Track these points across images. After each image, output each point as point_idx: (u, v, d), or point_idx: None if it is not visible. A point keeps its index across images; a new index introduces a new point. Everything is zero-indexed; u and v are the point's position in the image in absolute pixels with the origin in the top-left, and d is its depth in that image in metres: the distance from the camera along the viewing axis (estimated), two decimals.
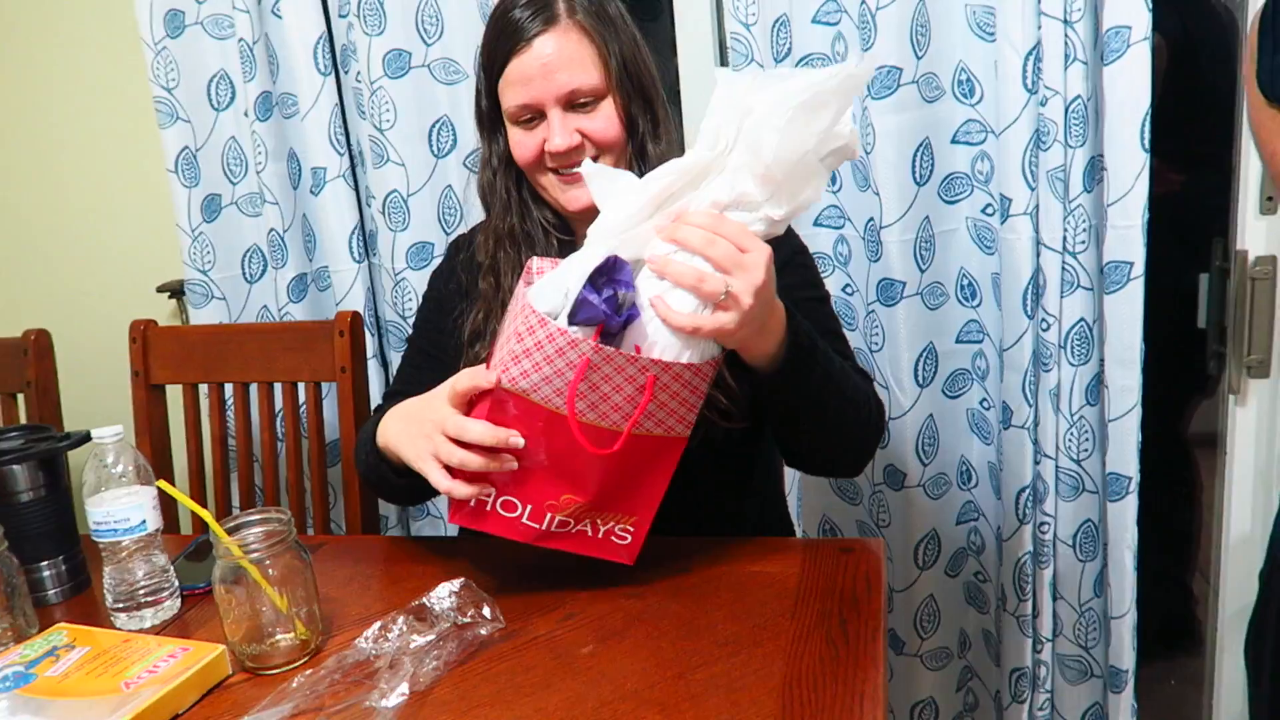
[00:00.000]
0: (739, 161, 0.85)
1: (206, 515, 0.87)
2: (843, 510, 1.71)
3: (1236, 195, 1.48)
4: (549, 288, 0.89)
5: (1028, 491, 1.50)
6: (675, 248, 0.86)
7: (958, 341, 1.58)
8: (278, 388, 1.48)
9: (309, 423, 1.47)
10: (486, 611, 0.92)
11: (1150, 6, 1.29)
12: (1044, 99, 1.35)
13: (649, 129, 1.10)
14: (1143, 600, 1.54)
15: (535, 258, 0.99)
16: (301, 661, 0.90)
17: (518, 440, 0.88)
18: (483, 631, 0.91)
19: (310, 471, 1.48)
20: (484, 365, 0.93)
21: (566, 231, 1.17)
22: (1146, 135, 1.34)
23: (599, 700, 0.80)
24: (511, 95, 1.07)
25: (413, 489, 1.03)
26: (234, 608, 0.89)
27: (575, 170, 1.07)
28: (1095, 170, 1.38)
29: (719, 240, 0.84)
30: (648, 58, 1.12)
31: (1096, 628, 1.56)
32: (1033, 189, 1.39)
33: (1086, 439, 1.47)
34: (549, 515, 0.95)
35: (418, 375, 1.21)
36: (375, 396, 1.56)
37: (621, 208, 0.88)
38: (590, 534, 0.98)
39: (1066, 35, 1.32)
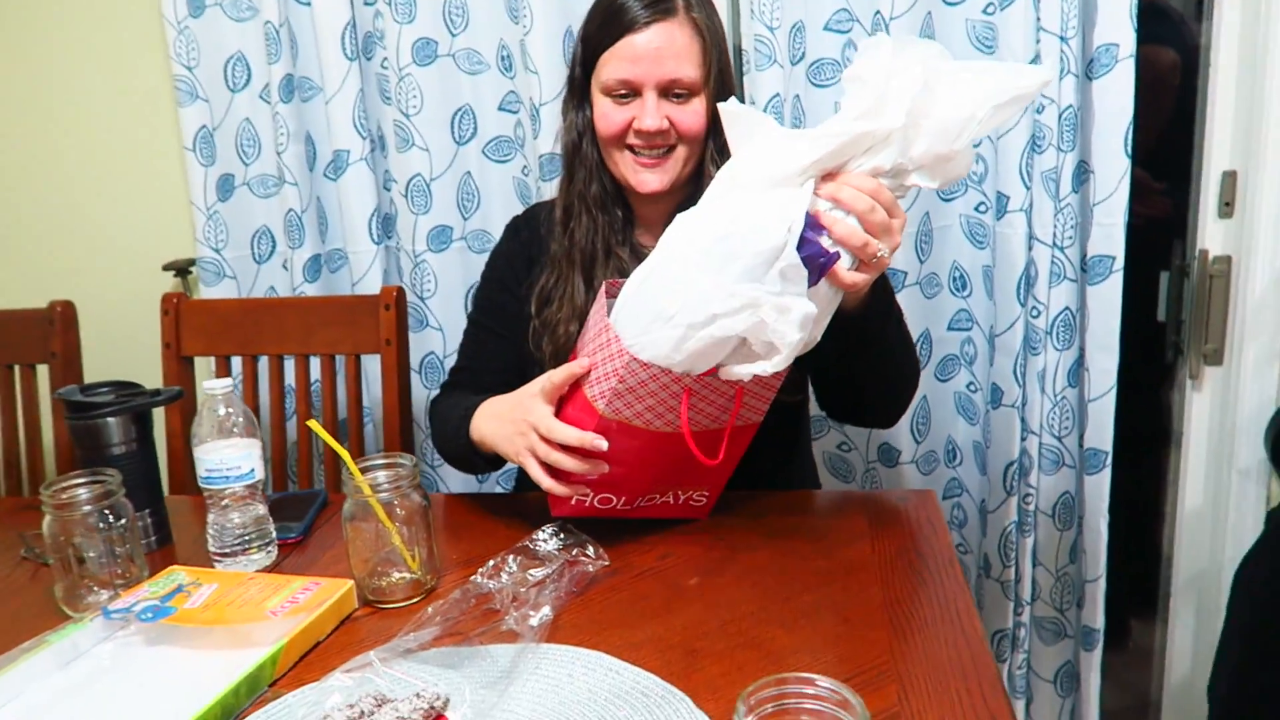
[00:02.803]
0: (913, 137, 0.88)
1: (345, 454, 0.92)
2: (837, 486, 1.82)
3: (1196, 200, 1.66)
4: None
5: (1015, 466, 1.64)
6: (831, 204, 0.89)
7: (949, 329, 1.71)
8: (314, 360, 1.51)
9: (348, 393, 1.50)
10: (590, 550, 1.00)
11: (1135, 28, 1.45)
12: (1040, 107, 1.49)
13: (718, 129, 1.19)
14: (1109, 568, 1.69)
15: (608, 281, 1.04)
16: (419, 598, 0.95)
17: (600, 443, 0.95)
18: (590, 568, 0.97)
19: (349, 441, 1.52)
20: (572, 356, 1.03)
21: (624, 206, 1.25)
22: (1129, 143, 1.49)
23: (720, 620, 0.88)
24: (615, 69, 1.14)
25: (500, 464, 1.15)
26: (360, 544, 0.94)
27: (652, 154, 1.16)
28: (1082, 173, 1.53)
29: (879, 208, 0.88)
30: (731, 64, 1.21)
31: (1071, 591, 1.71)
32: (1028, 188, 1.53)
33: (1067, 417, 1.61)
34: (640, 499, 1.07)
35: (482, 351, 1.29)
36: None
37: (781, 165, 0.89)
38: (672, 502, 1.09)
39: (1062, 50, 1.46)
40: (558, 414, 1.00)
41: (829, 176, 0.90)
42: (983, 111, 0.86)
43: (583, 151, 1.21)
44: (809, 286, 0.88)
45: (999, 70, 0.89)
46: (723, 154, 1.20)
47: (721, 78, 1.17)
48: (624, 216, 1.25)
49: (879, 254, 0.90)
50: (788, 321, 0.86)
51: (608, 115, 1.16)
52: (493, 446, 1.08)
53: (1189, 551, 1.80)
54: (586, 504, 1.04)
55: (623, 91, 1.14)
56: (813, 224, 0.88)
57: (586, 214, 1.21)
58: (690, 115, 1.15)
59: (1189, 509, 1.78)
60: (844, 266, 0.90)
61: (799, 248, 0.86)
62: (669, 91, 1.13)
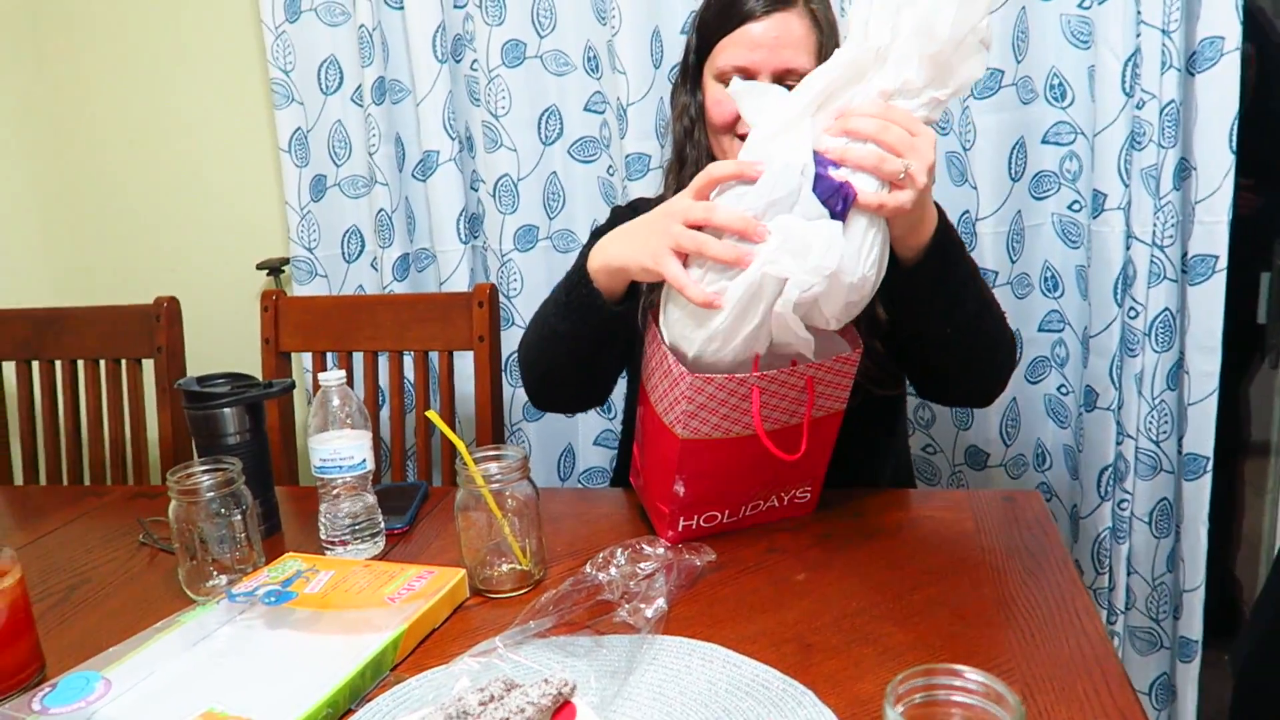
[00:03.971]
0: (904, 48, 0.86)
1: (460, 444, 0.93)
2: (923, 489, 1.80)
3: None
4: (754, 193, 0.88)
5: (1110, 470, 1.60)
6: (846, 140, 0.87)
7: (1039, 330, 1.68)
8: (408, 357, 1.54)
9: (441, 388, 1.52)
10: (698, 547, 1.00)
11: (1242, 19, 1.41)
12: (1140, 102, 1.46)
13: None
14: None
15: (650, 309, 1.04)
16: (527, 589, 0.96)
17: (763, 230, 0.86)
18: (697, 562, 0.98)
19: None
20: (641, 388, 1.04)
21: None
22: (1234, 139, 1.45)
23: (833, 615, 0.87)
24: (732, 55, 1.14)
25: (594, 359, 1.11)
26: (472, 533, 0.95)
27: None
28: (1184, 170, 1.50)
29: (891, 126, 0.86)
30: None
31: (1167, 601, 1.67)
32: (1126, 186, 1.49)
33: (1166, 421, 1.57)
34: (743, 507, 1.07)
35: None
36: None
37: (780, 113, 0.89)
38: (777, 505, 1.09)
39: (1164, 44, 1.43)
40: (640, 440, 1.00)
41: (840, 119, 0.89)
42: None
43: (695, 138, 1.22)
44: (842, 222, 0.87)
45: None
46: None
47: None
48: None
49: (901, 170, 0.86)
50: (805, 243, 0.84)
51: (721, 102, 1.16)
52: (620, 262, 0.98)
53: None
54: (694, 526, 1.05)
55: (738, 79, 1.15)
56: (824, 162, 0.87)
57: None
58: None
59: None
60: (869, 189, 0.87)
61: (814, 188, 0.85)
62: (783, 81, 1.14)
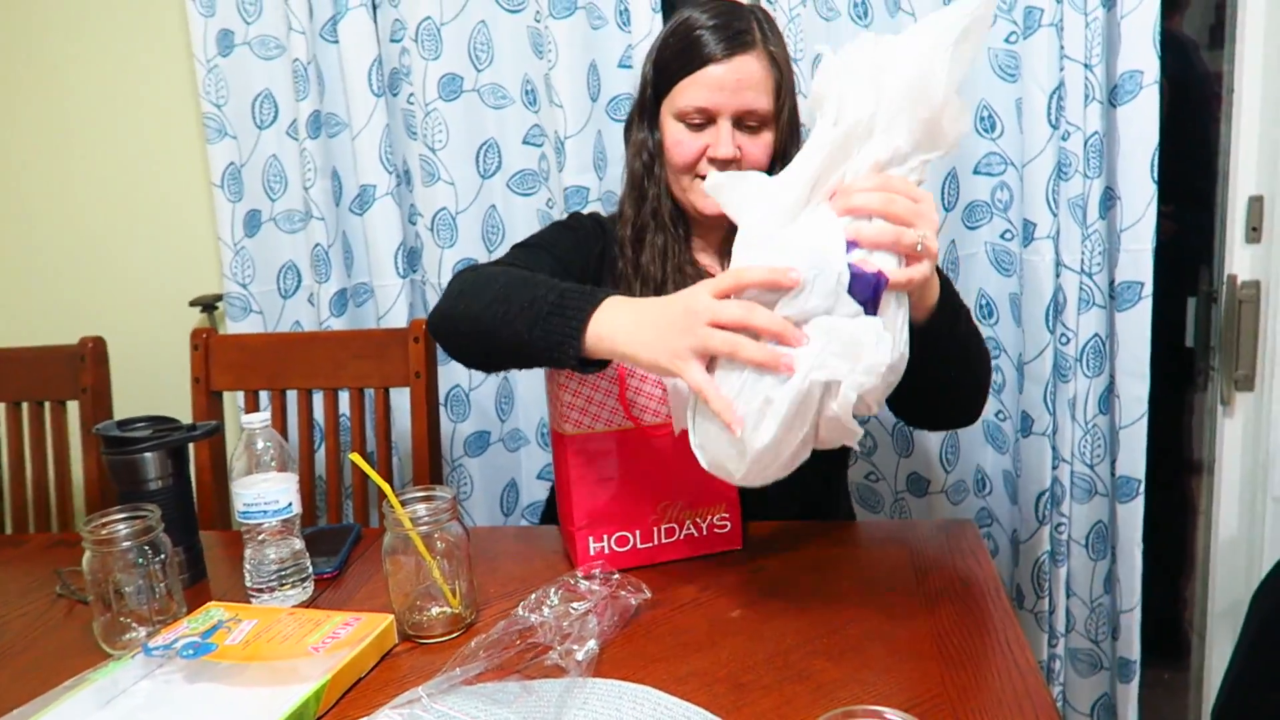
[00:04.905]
0: (891, 115, 0.83)
1: (386, 487, 0.91)
2: (865, 517, 1.80)
3: (1224, 225, 1.65)
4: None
5: (1047, 495, 1.62)
6: (849, 219, 0.84)
7: None
8: (344, 394, 1.51)
9: (377, 426, 1.50)
10: (631, 583, 0.99)
11: (1159, 54, 1.45)
12: (1066, 133, 1.49)
13: (786, 160, 1.20)
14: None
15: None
16: (458, 633, 0.95)
17: (803, 335, 0.81)
18: (632, 601, 0.96)
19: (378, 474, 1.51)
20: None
21: (685, 227, 1.28)
22: (1155, 169, 1.49)
23: (766, 653, 0.87)
24: (693, 96, 1.15)
25: (521, 364, 1.03)
26: (400, 577, 0.93)
27: None
28: (1109, 199, 1.53)
29: (895, 197, 0.83)
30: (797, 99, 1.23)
31: (1106, 622, 1.69)
32: (1055, 215, 1.53)
33: (1099, 445, 1.60)
34: (655, 529, 1.07)
35: (525, 257, 1.20)
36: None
37: (775, 206, 0.86)
38: (696, 534, 1.09)
39: (1086, 77, 1.47)
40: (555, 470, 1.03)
41: (840, 196, 0.85)
42: (941, 59, 0.82)
43: (654, 174, 1.23)
44: (871, 315, 0.83)
45: (940, 15, 0.85)
46: None
47: (789, 109, 1.19)
48: (685, 236, 1.27)
49: (918, 242, 0.83)
50: (854, 344, 0.80)
51: (682, 143, 1.17)
52: (627, 353, 0.89)
53: (1224, 580, 1.77)
54: (605, 550, 1.06)
55: (698, 120, 1.16)
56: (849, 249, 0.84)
57: (656, 234, 1.23)
58: (760, 147, 1.17)
59: (1223, 537, 1.76)
60: (890, 266, 0.84)
61: (853, 285, 0.81)
62: (742, 122, 1.15)
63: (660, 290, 1.23)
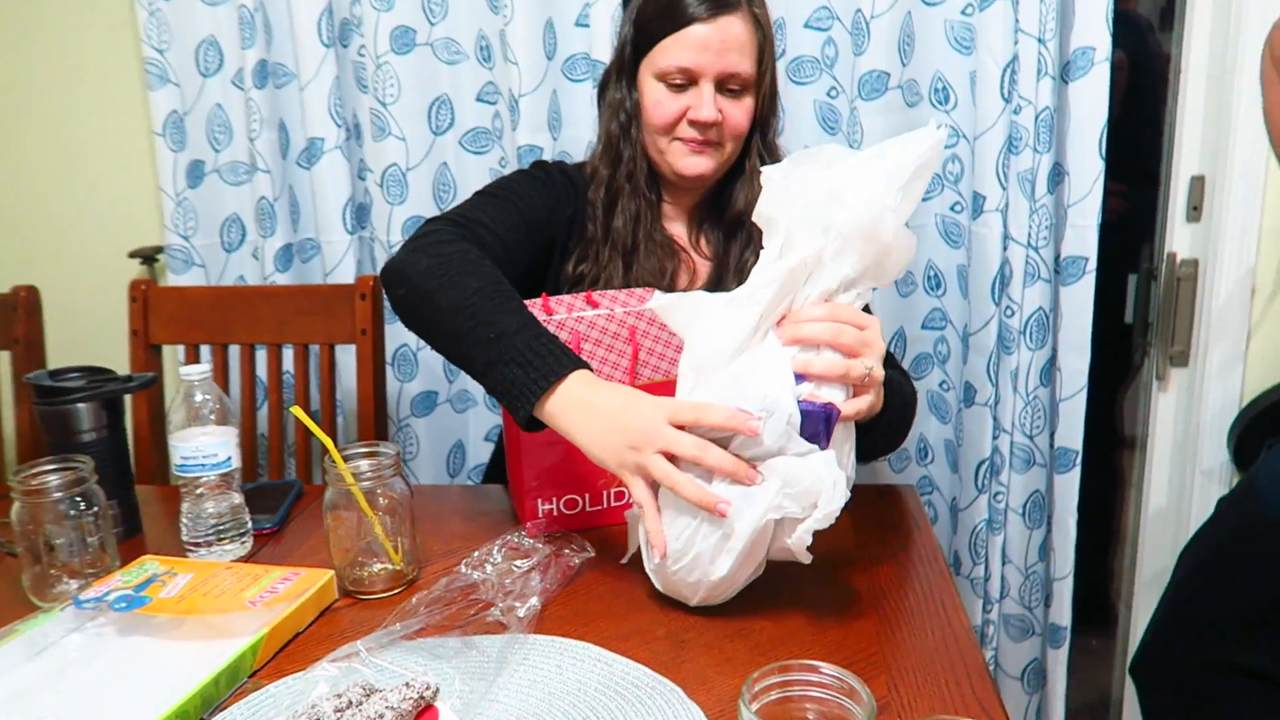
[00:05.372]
0: (839, 249, 0.83)
1: (328, 441, 0.90)
2: None
3: (1166, 204, 1.69)
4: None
5: (986, 464, 1.65)
6: (798, 349, 0.84)
7: (922, 328, 1.72)
8: (287, 350, 1.48)
9: (321, 384, 1.48)
10: (574, 542, 0.99)
11: (1111, 30, 1.47)
12: (1018, 108, 1.51)
13: (766, 127, 1.23)
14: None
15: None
16: (400, 589, 0.94)
17: (756, 475, 0.82)
18: (574, 560, 0.97)
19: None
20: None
21: (655, 191, 1.26)
22: (1103, 145, 1.51)
23: (708, 613, 0.87)
24: (676, 56, 1.13)
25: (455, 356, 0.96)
26: (341, 532, 0.92)
27: (701, 139, 1.18)
28: (1058, 174, 1.55)
29: (843, 328, 0.83)
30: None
31: (1039, 589, 1.73)
32: (1004, 189, 1.54)
33: (1039, 416, 1.63)
34: (605, 493, 1.07)
35: (492, 213, 1.14)
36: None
37: (724, 336, 0.85)
38: None
39: (1040, 52, 1.48)
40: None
41: (783, 321, 0.86)
42: (892, 199, 0.81)
43: (631, 136, 1.21)
44: (824, 448, 0.83)
45: (893, 150, 0.83)
46: (770, 152, 1.24)
47: (770, 74, 1.19)
48: (658, 201, 1.26)
49: (865, 373, 0.84)
50: (809, 486, 0.80)
51: (662, 103, 1.15)
52: (579, 445, 0.88)
53: (1152, 551, 1.83)
54: (554, 512, 1.05)
55: (679, 80, 1.15)
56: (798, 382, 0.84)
57: (630, 198, 1.21)
58: (741, 112, 1.17)
59: (1153, 509, 1.81)
60: (839, 398, 0.84)
61: (803, 427, 0.81)
62: (723, 85, 1.14)
63: (630, 255, 1.22)
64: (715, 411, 0.81)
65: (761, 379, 0.82)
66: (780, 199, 0.85)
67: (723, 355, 0.85)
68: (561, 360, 0.89)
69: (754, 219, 0.88)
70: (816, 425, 0.82)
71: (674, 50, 1.14)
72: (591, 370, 0.91)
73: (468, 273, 0.96)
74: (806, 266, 0.84)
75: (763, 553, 0.86)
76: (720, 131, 1.17)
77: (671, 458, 0.82)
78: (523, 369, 0.88)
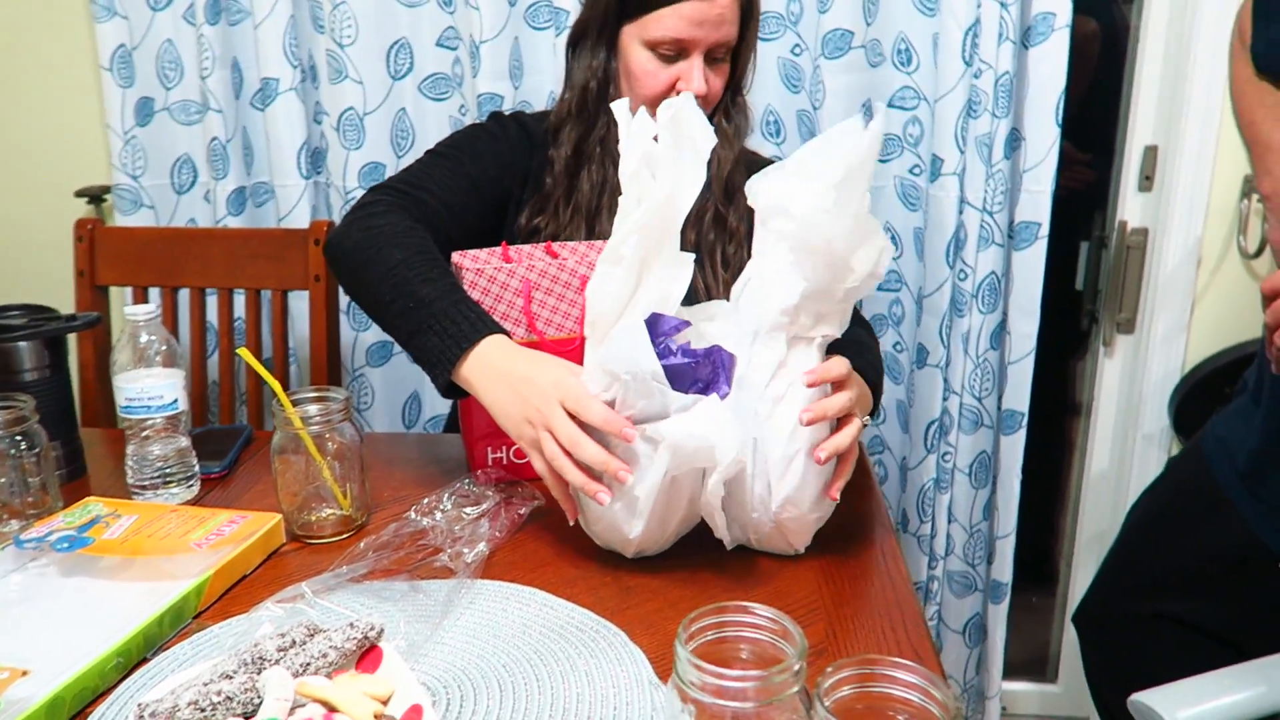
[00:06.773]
0: (792, 259, 0.82)
1: (276, 384, 0.89)
2: None
3: (1118, 173, 1.71)
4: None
5: (936, 424, 1.68)
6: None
7: (879, 289, 1.74)
8: (239, 295, 1.46)
9: (273, 330, 1.46)
10: (523, 490, 0.99)
11: None
12: (978, 71, 1.51)
13: (739, 88, 1.23)
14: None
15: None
16: (348, 534, 0.94)
17: (627, 477, 0.80)
18: (523, 510, 0.97)
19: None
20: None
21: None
22: (1060, 112, 1.53)
23: (654, 561, 0.89)
24: (670, 27, 1.11)
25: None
26: (289, 476, 0.92)
27: None
28: (1014, 140, 1.57)
29: (835, 403, 0.84)
30: None
31: (983, 547, 1.77)
32: (962, 152, 1.55)
33: (988, 379, 1.66)
34: None
35: (439, 175, 1.15)
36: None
37: (606, 292, 0.84)
38: None
39: (1001, 16, 1.48)
40: None
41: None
42: (828, 200, 0.77)
43: (609, 97, 1.17)
44: (724, 395, 0.81)
45: (823, 147, 0.81)
46: (734, 105, 1.24)
47: (752, 35, 1.19)
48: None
49: (862, 427, 0.88)
50: (706, 439, 0.78)
51: (653, 74, 1.14)
52: (491, 411, 0.89)
53: (1092, 512, 1.88)
54: (504, 460, 1.06)
55: (670, 51, 1.13)
56: (667, 328, 0.82)
57: (598, 163, 1.19)
58: (722, 79, 1.17)
59: (1095, 471, 1.86)
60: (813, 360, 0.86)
61: (673, 380, 0.79)
62: (710, 54, 1.14)
63: (593, 220, 1.21)
64: (594, 411, 0.80)
65: (624, 340, 0.79)
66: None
67: (608, 315, 0.83)
68: (476, 325, 0.91)
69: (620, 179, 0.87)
70: (696, 376, 0.81)
71: (669, 21, 1.11)
72: (508, 335, 0.92)
73: (395, 245, 0.99)
74: (671, 202, 0.80)
75: (683, 508, 0.86)
76: (704, 103, 1.16)
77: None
78: (439, 337, 0.91)
